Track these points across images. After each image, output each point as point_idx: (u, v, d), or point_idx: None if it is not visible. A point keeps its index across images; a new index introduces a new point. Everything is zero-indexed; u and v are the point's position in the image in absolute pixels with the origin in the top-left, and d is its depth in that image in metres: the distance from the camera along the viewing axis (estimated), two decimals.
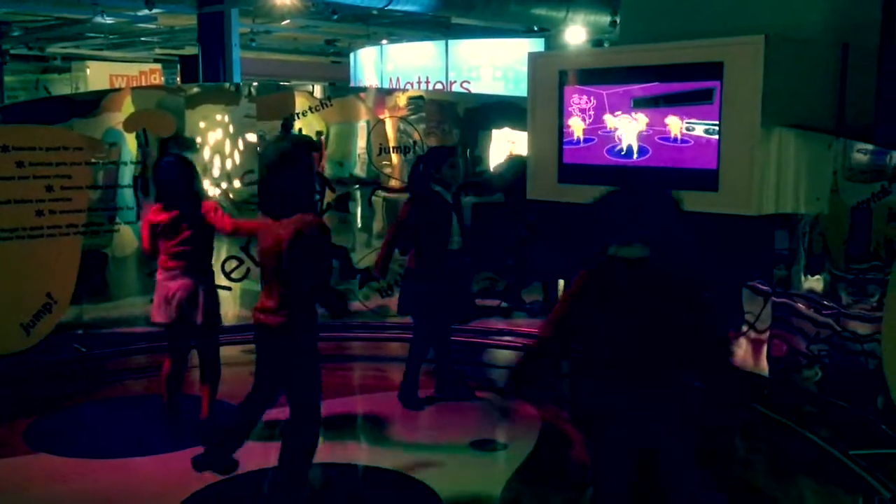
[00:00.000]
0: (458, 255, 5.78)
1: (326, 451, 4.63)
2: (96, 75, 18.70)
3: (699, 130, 5.20)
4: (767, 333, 5.97)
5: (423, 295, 5.67)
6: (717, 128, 5.09)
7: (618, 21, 11.10)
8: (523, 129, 6.32)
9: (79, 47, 19.28)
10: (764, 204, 5.04)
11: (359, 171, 7.69)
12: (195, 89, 7.76)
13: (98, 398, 6.01)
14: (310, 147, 5.77)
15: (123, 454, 4.93)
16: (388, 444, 5.21)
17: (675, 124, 5.32)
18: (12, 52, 18.83)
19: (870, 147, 5.03)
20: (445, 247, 5.69)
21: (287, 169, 3.97)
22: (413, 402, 5.74)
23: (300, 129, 7.30)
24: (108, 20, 14.28)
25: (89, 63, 19.29)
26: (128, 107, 6.92)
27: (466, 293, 5.99)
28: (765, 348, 6.06)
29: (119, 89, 9.69)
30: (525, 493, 4.51)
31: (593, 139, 5.75)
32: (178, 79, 17.77)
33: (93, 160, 6.56)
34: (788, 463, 5.06)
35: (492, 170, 7.70)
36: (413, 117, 7.72)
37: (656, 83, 5.38)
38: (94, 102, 6.91)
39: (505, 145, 7.79)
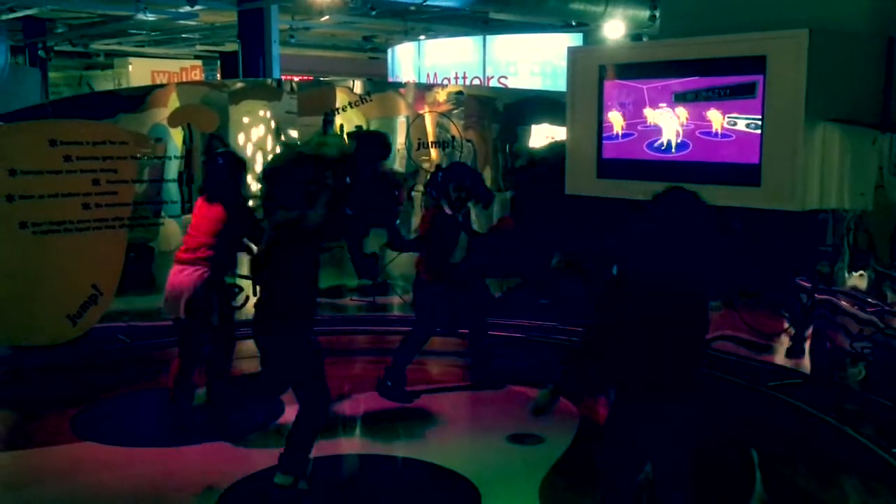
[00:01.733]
0: (463, 266, 5.86)
1: (363, 445, 4.68)
2: (138, 72, 18.96)
3: (741, 125, 5.16)
4: (810, 330, 5.92)
5: (429, 302, 5.81)
6: (759, 122, 5.05)
7: (657, 15, 11.03)
8: (562, 124, 6.31)
9: (121, 44, 19.54)
10: (807, 199, 4.99)
11: (398, 165, 7.73)
12: (238, 85, 7.86)
13: (142, 388, 6.11)
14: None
15: (165, 443, 5.01)
16: (425, 434, 5.24)
17: (716, 119, 5.28)
18: (56, 48, 19.13)
19: None
20: (448, 258, 5.78)
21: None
22: (402, 396, 5.79)
23: (341, 125, 7.36)
24: (150, 17, 14.45)
25: (131, 59, 19.56)
26: (173, 102, 7.02)
27: (483, 298, 6.11)
28: (808, 345, 6.01)
29: (164, 85, 9.83)
30: (562, 487, 4.51)
31: (633, 134, 5.72)
32: (219, 75, 17.98)
33: (138, 155, 6.67)
34: (831, 461, 5.00)
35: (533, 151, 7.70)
36: (452, 112, 7.74)
37: (697, 77, 5.34)
38: (140, 98, 7.02)
39: (544, 141, 7.77)
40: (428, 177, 7.65)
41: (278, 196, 4.11)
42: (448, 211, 5.78)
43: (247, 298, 7.25)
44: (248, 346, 6.91)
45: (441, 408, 5.73)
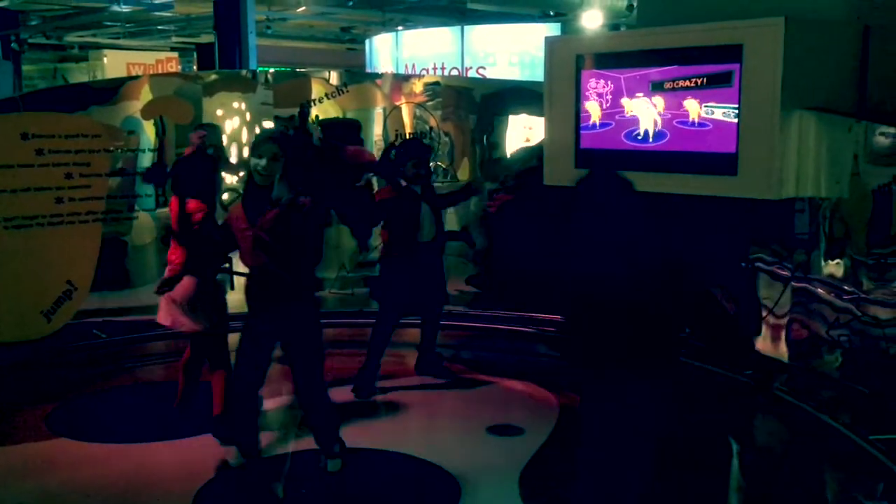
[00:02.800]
0: (431, 246, 5.77)
1: (346, 436, 4.65)
2: (113, 64, 18.77)
3: (718, 114, 5.16)
4: (787, 318, 5.94)
5: (391, 284, 5.72)
6: (736, 111, 5.05)
7: (635, 4, 11.02)
8: (540, 114, 6.29)
9: (96, 36, 19.33)
10: (784, 188, 5.00)
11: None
12: (212, 76, 7.78)
13: (117, 384, 6.05)
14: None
15: (142, 439, 4.97)
16: (406, 428, 5.23)
17: (693, 108, 5.28)
18: (30, 41, 18.90)
19: (891, 130, 4.97)
20: (414, 238, 5.67)
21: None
22: (369, 391, 5.74)
23: (317, 116, 7.30)
24: (125, 9, 14.31)
25: (106, 52, 19.35)
26: (146, 94, 6.94)
27: (440, 282, 5.98)
28: (784, 333, 6.03)
29: (137, 77, 9.72)
30: (542, 478, 4.51)
31: (610, 123, 5.71)
32: (195, 67, 17.82)
33: (111, 147, 6.59)
34: (808, 448, 5.04)
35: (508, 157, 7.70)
36: (429, 103, 7.70)
37: (674, 66, 5.33)
38: (113, 90, 6.93)
39: (522, 131, 7.75)
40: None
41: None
42: (404, 184, 5.68)
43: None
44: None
45: (420, 400, 5.71)
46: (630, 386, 3.15)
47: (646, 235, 3.16)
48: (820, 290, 5.60)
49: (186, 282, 4.91)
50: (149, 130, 6.89)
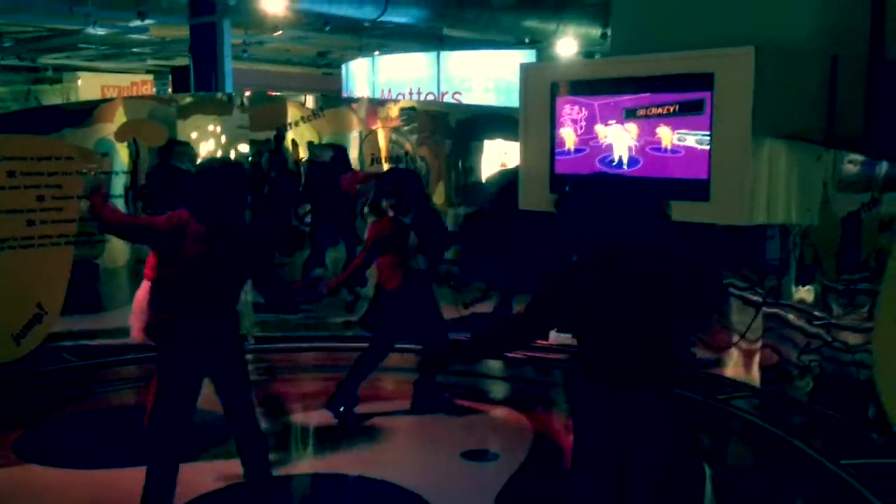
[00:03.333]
0: (422, 274, 5.74)
1: (320, 463, 4.62)
2: (88, 86, 18.69)
3: (690, 141, 5.21)
4: (759, 343, 5.99)
5: (388, 315, 5.67)
6: (708, 138, 5.11)
7: (608, 33, 11.15)
8: (515, 139, 6.33)
9: (70, 58, 19.24)
10: (755, 214, 5.06)
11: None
12: (187, 99, 7.78)
13: (87, 409, 5.97)
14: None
15: (112, 465, 4.90)
16: (378, 452, 5.20)
17: (666, 135, 5.33)
18: (3, 62, 18.78)
19: (860, 158, 5.06)
20: (407, 267, 5.64)
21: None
22: (342, 408, 5.70)
23: (293, 140, 7.31)
24: (100, 31, 14.26)
25: (81, 74, 19.28)
26: (119, 117, 6.92)
27: (433, 310, 5.93)
28: (756, 358, 6.08)
29: (111, 99, 9.69)
30: (518, 503, 4.50)
31: (585, 149, 5.75)
32: (170, 89, 17.78)
33: (84, 170, 6.55)
34: (780, 473, 5.06)
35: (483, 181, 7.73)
36: (405, 128, 7.73)
37: (647, 94, 5.39)
38: (86, 112, 6.91)
39: (497, 156, 7.81)
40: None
41: None
42: (391, 213, 5.66)
43: None
44: None
45: (394, 425, 5.68)
46: (641, 401, 3.05)
47: (658, 238, 3.13)
48: (791, 316, 5.66)
49: (147, 288, 4.94)
50: (122, 153, 6.86)
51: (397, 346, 5.89)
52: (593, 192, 3.24)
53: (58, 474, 4.83)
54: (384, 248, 5.61)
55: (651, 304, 3.04)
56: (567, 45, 13.45)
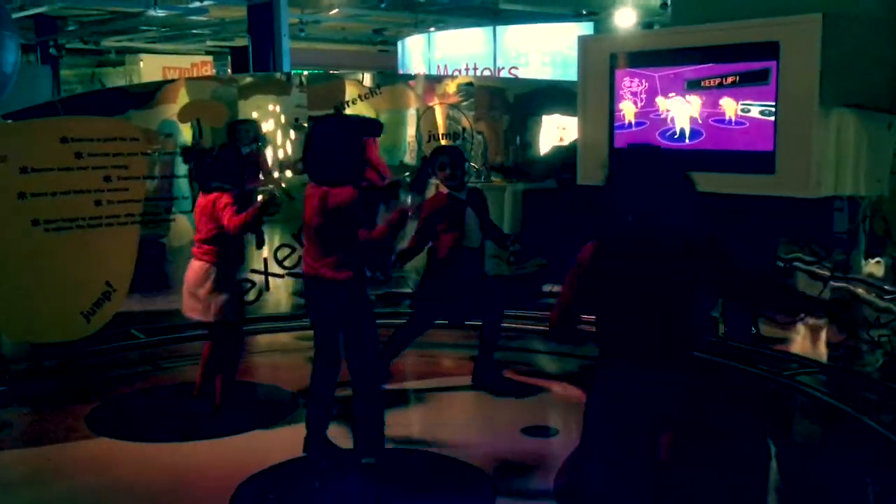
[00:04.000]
0: (476, 252, 5.71)
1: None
2: (149, 68, 19.03)
3: (755, 112, 5.11)
4: (825, 318, 5.87)
5: (434, 294, 5.67)
6: (773, 109, 5.00)
7: (669, 2, 10.94)
8: (573, 114, 6.27)
9: (132, 41, 19.61)
10: (822, 186, 4.94)
11: (408, 158, 7.70)
12: (247, 79, 7.86)
13: (156, 384, 6.12)
14: (362, 126, 5.87)
15: (181, 439, 5.03)
16: (439, 426, 5.23)
17: (729, 106, 5.23)
18: (68, 46, 19.20)
19: None
20: (460, 245, 5.61)
21: (331, 139, 4.20)
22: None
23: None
24: (161, 13, 14.49)
25: (142, 56, 19.64)
26: (182, 98, 7.02)
27: (485, 288, 5.88)
28: (823, 334, 5.96)
29: (173, 81, 9.84)
30: (575, 478, 4.49)
31: (645, 123, 5.68)
32: (229, 70, 18.00)
33: (149, 150, 6.67)
34: (848, 449, 4.97)
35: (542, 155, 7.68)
36: (463, 104, 7.70)
37: (710, 64, 5.29)
38: (150, 94, 7.02)
39: (555, 131, 7.74)
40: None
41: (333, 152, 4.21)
42: (445, 191, 5.65)
43: (260, 293, 7.27)
44: (261, 340, 7.02)
45: (454, 401, 5.71)
46: (660, 375, 3.00)
47: (695, 217, 3.02)
48: (860, 290, 5.53)
49: (197, 268, 5.03)
50: (186, 133, 6.97)
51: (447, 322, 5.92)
52: (626, 165, 3.16)
53: (129, 447, 4.97)
54: (439, 223, 5.61)
55: (676, 284, 2.97)
56: (625, 16, 13.24)
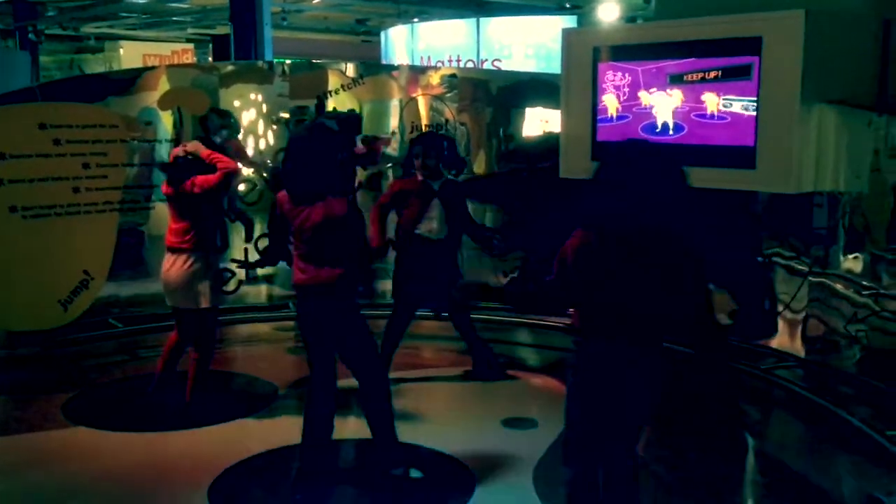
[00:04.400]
0: (444, 243, 5.65)
1: (358, 428, 4.64)
2: (130, 55, 18.84)
3: (737, 107, 5.13)
4: (804, 314, 5.91)
5: (402, 279, 5.64)
6: (755, 104, 5.02)
7: None
8: (556, 106, 6.28)
9: (112, 27, 19.41)
10: (803, 182, 4.98)
11: (391, 149, 7.68)
12: (229, 67, 7.80)
13: (134, 373, 6.08)
14: (341, 132, 5.83)
15: (157, 428, 4.99)
16: (420, 419, 5.23)
17: (711, 101, 5.25)
18: (47, 32, 18.98)
19: None
20: (411, 227, 5.56)
21: (311, 154, 4.04)
22: None
23: (333, 108, 7.30)
24: (141, 0, 14.36)
25: (123, 43, 19.44)
26: (163, 85, 6.95)
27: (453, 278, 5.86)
28: (801, 328, 6.00)
29: (154, 67, 9.75)
30: (557, 471, 4.50)
31: (628, 116, 5.69)
32: (210, 58, 17.86)
33: (128, 138, 6.61)
34: (825, 444, 5.01)
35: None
36: (446, 95, 7.69)
37: (693, 59, 5.31)
38: (130, 81, 6.96)
39: (538, 124, 7.74)
40: None
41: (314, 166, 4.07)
42: (420, 178, 5.60)
43: (239, 284, 7.24)
44: (238, 331, 6.99)
45: (434, 393, 5.72)
46: (632, 357, 3.15)
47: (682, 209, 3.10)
48: (838, 286, 5.57)
49: (176, 256, 4.98)
50: (166, 121, 6.91)
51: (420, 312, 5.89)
52: (623, 160, 3.20)
53: (106, 437, 4.94)
54: (402, 201, 5.58)
55: (655, 277, 3.06)
56: (609, 9, 13.28)
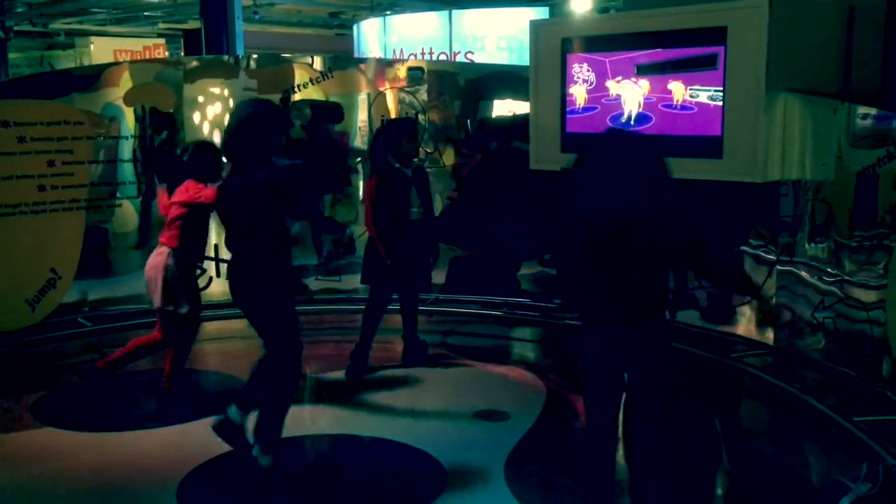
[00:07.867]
0: (419, 225, 5.68)
1: (329, 421, 4.65)
2: (100, 51, 18.62)
3: (703, 97, 5.15)
4: (772, 301, 5.95)
5: (381, 266, 5.62)
6: (721, 94, 5.03)
7: None
8: (525, 98, 6.27)
9: (82, 23, 19.17)
10: (769, 171, 5.00)
11: (360, 143, 7.64)
12: (194, 62, 7.71)
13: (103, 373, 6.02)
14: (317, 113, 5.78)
15: (126, 428, 4.95)
16: (392, 413, 5.22)
17: (678, 91, 5.27)
18: (16, 28, 18.72)
19: (875, 112, 4.96)
20: (405, 220, 5.59)
21: (245, 120, 4.11)
22: (360, 373, 5.74)
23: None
24: None
25: (93, 39, 19.21)
26: (126, 81, 6.88)
27: (426, 264, 5.91)
28: (770, 316, 6.04)
29: (117, 63, 9.65)
30: (528, 462, 4.51)
31: (596, 107, 5.69)
32: (182, 53, 17.71)
33: (93, 135, 6.54)
34: (793, 430, 5.05)
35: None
36: (414, 88, 7.65)
37: (659, 49, 5.32)
38: (94, 76, 6.88)
39: (506, 115, 7.73)
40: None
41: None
42: (396, 165, 5.59)
43: (210, 280, 7.19)
44: (212, 327, 6.93)
45: (405, 385, 5.70)
46: (635, 334, 3.29)
47: (662, 183, 3.26)
48: (804, 273, 5.61)
49: (155, 258, 4.97)
50: (130, 117, 6.84)
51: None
52: (602, 149, 3.31)
53: (74, 437, 4.89)
54: (386, 192, 5.57)
55: (645, 258, 3.25)
56: (581, 1, 13.26)
